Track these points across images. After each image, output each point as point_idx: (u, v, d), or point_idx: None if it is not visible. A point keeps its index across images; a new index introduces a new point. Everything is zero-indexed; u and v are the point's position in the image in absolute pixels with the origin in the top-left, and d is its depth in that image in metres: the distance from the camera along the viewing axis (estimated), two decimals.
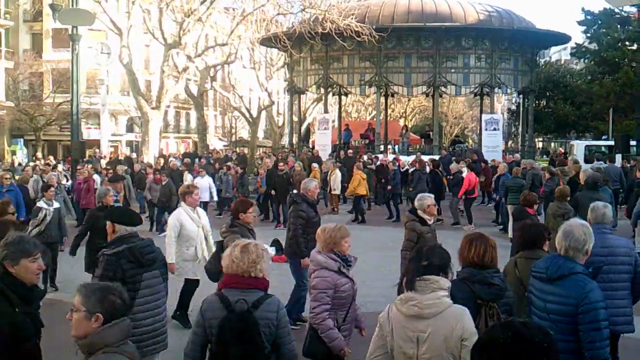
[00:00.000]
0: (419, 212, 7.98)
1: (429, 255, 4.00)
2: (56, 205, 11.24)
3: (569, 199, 10.42)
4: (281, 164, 20.86)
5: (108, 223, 5.59)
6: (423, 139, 36.02)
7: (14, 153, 44.59)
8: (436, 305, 3.79)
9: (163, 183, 17.65)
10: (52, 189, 11.52)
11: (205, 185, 18.69)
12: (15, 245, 4.13)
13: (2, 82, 49.09)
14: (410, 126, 50.99)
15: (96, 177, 19.65)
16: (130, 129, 53.79)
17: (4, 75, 49.26)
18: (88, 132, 45.20)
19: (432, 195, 8.56)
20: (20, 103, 47.30)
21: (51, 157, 33.74)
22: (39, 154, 41.07)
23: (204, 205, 18.43)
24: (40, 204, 11.09)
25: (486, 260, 4.54)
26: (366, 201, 21.87)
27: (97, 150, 34.41)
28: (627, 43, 39.02)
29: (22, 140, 47.85)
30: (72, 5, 22.90)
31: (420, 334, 3.78)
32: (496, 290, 4.45)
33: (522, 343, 2.45)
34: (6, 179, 13.47)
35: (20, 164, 31.92)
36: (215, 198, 20.18)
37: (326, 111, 33.41)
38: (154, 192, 17.98)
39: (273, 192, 19.30)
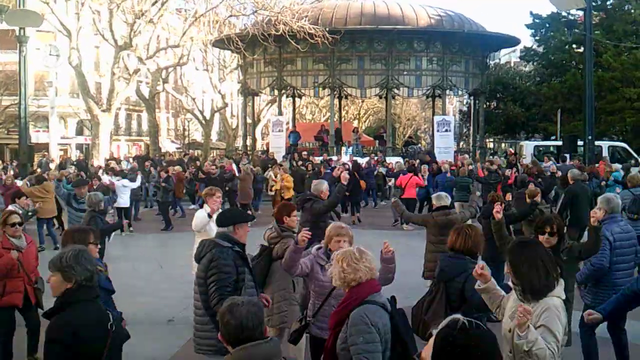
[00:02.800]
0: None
1: None
2: None
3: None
4: (213, 167, 21.11)
5: None
6: (377, 141, 36.29)
7: None
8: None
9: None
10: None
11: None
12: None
13: None
14: (363, 128, 51.36)
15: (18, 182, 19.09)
16: (80, 131, 52.71)
17: None
18: (37, 135, 44.09)
19: None
20: None
21: None
22: None
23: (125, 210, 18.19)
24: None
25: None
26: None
27: (46, 153, 33.64)
28: (574, 46, 39.94)
29: None
30: (20, 6, 22.44)
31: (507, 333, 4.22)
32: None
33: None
34: None
35: None
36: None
37: (280, 113, 33.39)
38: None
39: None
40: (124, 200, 17.85)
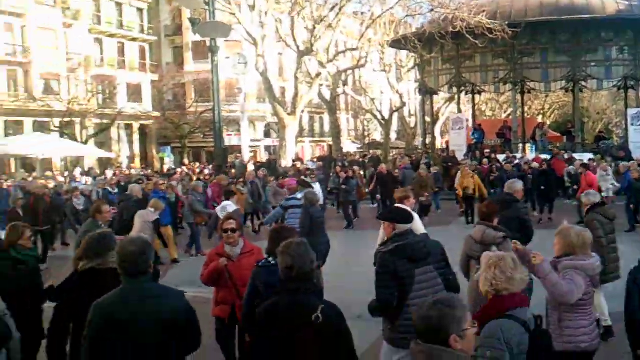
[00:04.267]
0: None
1: None
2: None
3: None
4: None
5: (386, 223, 5.71)
6: (565, 136, 34.48)
7: (162, 160, 47.51)
8: None
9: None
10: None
11: (317, 190, 18.72)
12: None
13: (149, 93, 52.44)
14: (549, 123, 49.02)
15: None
16: (267, 134, 55.57)
17: (150, 87, 52.61)
18: (229, 139, 47.13)
19: None
20: (166, 113, 50.46)
21: (197, 163, 35.68)
22: (186, 160, 43.59)
23: None
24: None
25: None
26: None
27: (238, 155, 35.84)
28: None
29: (169, 147, 50.80)
30: (210, 19, 24.13)
31: None
32: None
33: None
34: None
35: (170, 170, 34.07)
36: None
37: (459, 111, 32.93)
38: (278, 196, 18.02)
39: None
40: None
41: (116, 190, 19.51)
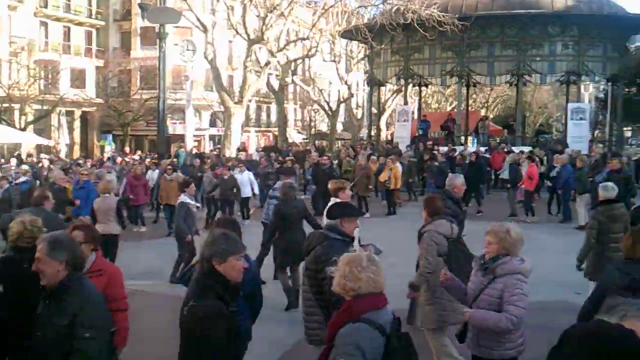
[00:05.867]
0: None
1: None
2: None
3: None
4: (324, 157, 21.06)
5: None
6: (506, 130, 35.28)
7: (102, 148, 46.38)
8: None
9: (225, 177, 17.81)
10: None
11: (245, 180, 18.52)
12: (224, 243, 4.09)
13: (93, 79, 51.14)
14: (492, 116, 50.00)
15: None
16: (213, 123, 54.98)
17: (94, 73, 51.31)
18: (173, 127, 46.48)
19: None
20: (109, 100, 49.26)
21: (138, 152, 34.96)
22: (127, 149, 42.67)
23: (246, 201, 18.58)
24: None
25: None
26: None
27: (182, 144, 35.35)
28: None
29: (110, 135, 49.68)
30: (160, 4, 23.69)
31: None
32: None
33: None
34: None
35: (109, 158, 33.19)
36: (257, 193, 19.19)
37: (406, 103, 33.23)
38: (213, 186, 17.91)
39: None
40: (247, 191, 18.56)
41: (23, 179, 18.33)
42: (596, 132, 50.19)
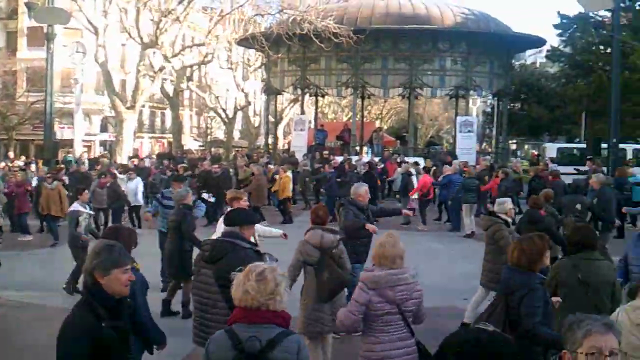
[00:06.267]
0: (502, 215, 8.66)
1: None
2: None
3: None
4: (216, 166, 21.01)
5: None
6: (399, 141, 36.24)
7: None
8: None
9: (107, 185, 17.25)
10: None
11: (134, 188, 18.12)
12: (107, 254, 3.89)
13: None
14: (386, 128, 51.15)
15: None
16: (104, 128, 53.27)
17: None
18: (61, 132, 44.62)
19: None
20: None
21: (23, 157, 33.31)
22: (11, 154, 40.52)
23: (136, 209, 18.09)
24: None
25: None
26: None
27: (70, 150, 34.03)
28: (600, 47, 39.58)
29: None
30: (48, 4, 22.74)
31: None
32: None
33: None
34: None
35: None
36: (141, 202, 18.63)
37: (303, 112, 33.43)
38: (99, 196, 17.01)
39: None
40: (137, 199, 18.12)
41: None
42: (484, 144, 52.46)
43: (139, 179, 18.78)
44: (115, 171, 20.22)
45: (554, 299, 5.40)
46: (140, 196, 18.28)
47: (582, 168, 24.29)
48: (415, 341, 5.03)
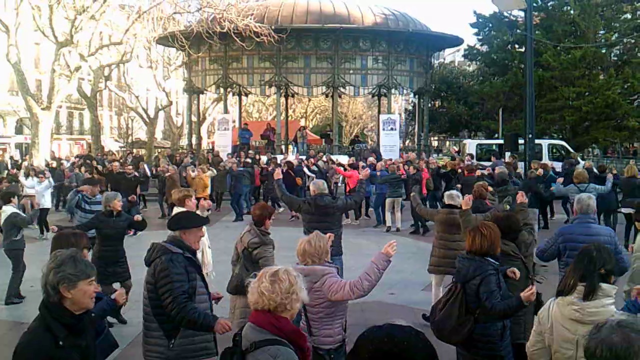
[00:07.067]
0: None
1: (604, 261, 4.02)
2: None
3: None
4: (128, 166, 20.82)
5: None
6: (323, 139, 36.41)
7: None
8: (600, 314, 3.69)
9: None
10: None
11: (41, 190, 17.63)
12: (73, 266, 3.62)
13: None
14: (310, 126, 51.27)
15: None
16: (19, 130, 51.28)
17: None
18: None
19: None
20: None
21: None
22: None
23: (44, 213, 17.36)
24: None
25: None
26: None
27: None
28: (515, 45, 40.84)
29: None
30: None
31: (581, 338, 3.63)
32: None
33: None
34: None
35: None
36: (49, 205, 18.29)
37: (226, 111, 33.10)
38: None
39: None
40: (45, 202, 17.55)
41: None
42: (407, 141, 53.35)
43: (48, 181, 18.19)
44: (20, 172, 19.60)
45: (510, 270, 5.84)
46: (48, 198, 17.79)
47: (485, 163, 24.75)
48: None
